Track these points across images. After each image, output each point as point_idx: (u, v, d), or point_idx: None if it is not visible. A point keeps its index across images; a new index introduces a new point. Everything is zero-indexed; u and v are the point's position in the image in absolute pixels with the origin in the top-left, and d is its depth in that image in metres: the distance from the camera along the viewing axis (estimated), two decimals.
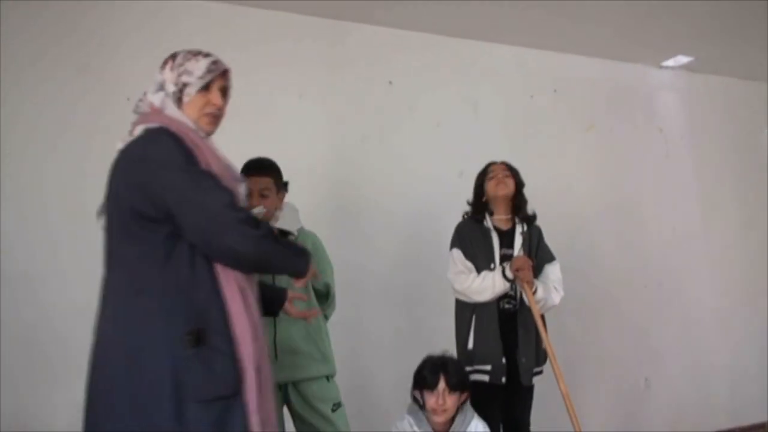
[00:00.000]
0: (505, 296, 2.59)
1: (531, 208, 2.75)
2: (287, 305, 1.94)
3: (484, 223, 2.68)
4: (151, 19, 2.98)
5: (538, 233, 2.74)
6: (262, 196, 2.22)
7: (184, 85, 1.60)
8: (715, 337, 4.25)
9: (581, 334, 3.74)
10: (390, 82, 3.51)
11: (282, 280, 2.08)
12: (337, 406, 2.36)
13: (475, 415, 2.38)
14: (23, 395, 2.58)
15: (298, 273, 1.65)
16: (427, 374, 2.32)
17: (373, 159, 3.40)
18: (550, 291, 2.61)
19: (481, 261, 2.61)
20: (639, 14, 3.50)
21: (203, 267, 1.49)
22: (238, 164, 1.97)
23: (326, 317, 2.47)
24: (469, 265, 2.61)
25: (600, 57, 4.09)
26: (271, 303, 1.83)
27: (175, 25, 2.99)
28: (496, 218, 2.70)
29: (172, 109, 1.59)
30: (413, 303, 3.35)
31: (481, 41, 3.74)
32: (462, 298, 2.63)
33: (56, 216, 2.72)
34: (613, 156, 4.11)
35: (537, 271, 2.64)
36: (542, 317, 2.59)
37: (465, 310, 2.64)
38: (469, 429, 2.33)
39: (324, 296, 2.42)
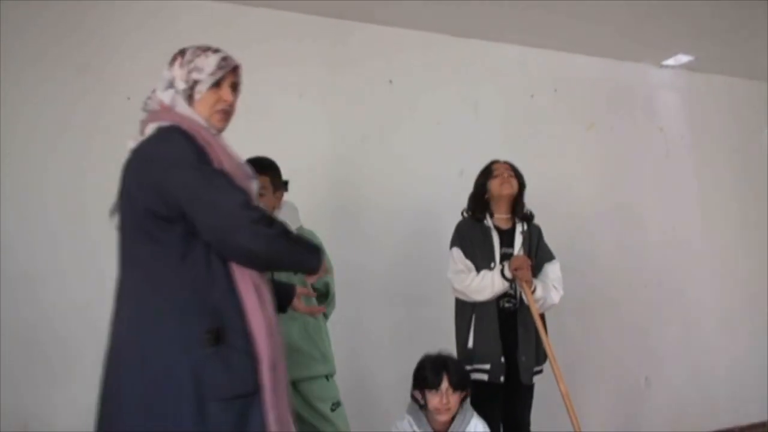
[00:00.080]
0: (504, 295, 2.59)
1: (529, 208, 2.75)
2: (295, 301, 1.93)
3: (485, 222, 2.68)
4: (151, 18, 2.98)
5: (538, 232, 2.74)
6: (259, 195, 2.22)
7: (195, 82, 1.58)
8: (715, 336, 4.25)
9: (581, 333, 3.74)
10: (390, 82, 3.51)
11: (282, 275, 2.08)
12: (336, 405, 2.36)
13: (475, 414, 2.38)
14: (23, 394, 2.58)
15: (311, 270, 1.64)
16: (430, 374, 2.32)
17: (373, 158, 3.40)
18: (549, 290, 2.61)
19: (481, 260, 2.61)
20: (639, 13, 3.50)
21: (218, 265, 1.48)
22: None
23: (326, 316, 2.47)
24: (469, 264, 2.61)
25: (600, 56, 4.09)
26: (278, 299, 1.82)
27: (175, 24, 2.99)
28: (497, 217, 2.70)
29: (182, 107, 1.58)
30: (413, 302, 3.35)
31: (481, 40, 3.74)
32: (461, 297, 2.64)
33: (56, 215, 2.73)
34: (614, 155, 4.11)
35: (536, 270, 2.64)
36: (542, 316, 2.60)
37: (465, 309, 2.64)
38: (468, 428, 2.33)
39: (324, 295, 2.42)
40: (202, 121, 1.57)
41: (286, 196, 2.40)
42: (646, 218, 4.16)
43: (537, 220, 2.77)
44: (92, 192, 2.79)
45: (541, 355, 2.62)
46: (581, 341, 3.73)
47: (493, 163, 2.75)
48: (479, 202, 2.72)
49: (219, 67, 1.60)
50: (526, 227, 2.70)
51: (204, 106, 1.59)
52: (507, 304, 2.61)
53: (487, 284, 2.54)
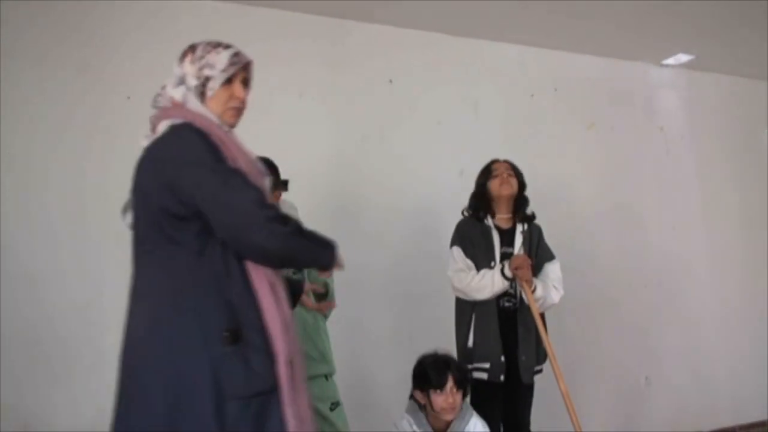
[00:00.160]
0: (505, 294, 2.59)
1: (530, 208, 2.75)
2: (304, 297, 1.93)
3: (485, 221, 2.68)
4: (151, 18, 2.98)
5: (539, 232, 2.75)
6: None
7: (207, 78, 1.56)
8: (715, 335, 4.25)
9: (581, 332, 3.74)
10: (390, 81, 3.51)
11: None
12: (335, 405, 2.36)
13: (474, 414, 2.38)
14: (23, 394, 2.59)
15: (326, 266, 1.63)
16: (433, 374, 2.31)
17: (373, 158, 3.40)
18: (549, 289, 2.61)
19: (481, 259, 2.62)
20: (639, 12, 3.50)
21: (234, 263, 1.47)
22: None
23: (325, 316, 2.47)
24: (469, 263, 2.61)
25: (600, 55, 4.09)
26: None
27: (175, 24, 2.99)
28: (497, 217, 2.70)
29: (195, 104, 1.56)
30: (413, 301, 3.35)
31: (481, 40, 3.74)
32: (461, 296, 2.64)
33: (57, 215, 2.73)
34: (614, 155, 4.11)
35: (537, 269, 2.64)
36: (542, 316, 2.60)
37: (465, 308, 2.65)
38: (468, 427, 2.33)
39: (323, 295, 2.42)
40: (214, 119, 1.56)
41: (286, 196, 2.40)
42: (646, 218, 4.16)
43: (537, 220, 2.77)
44: (93, 192, 2.79)
45: (541, 355, 2.62)
46: (581, 341, 3.73)
47: (492, 162, 2.75)
48: (480, 201, 2.72)
49: (231, 64, 1.58)
50: (526, 227, 2.70)
51: (216, 103, 1.57)
52: (507, 304, 2.61)
53: (487, 283, 2.54)
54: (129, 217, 1.59)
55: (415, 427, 2.32)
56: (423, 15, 3.41)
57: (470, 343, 2.59)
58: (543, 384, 2.66)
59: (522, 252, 2.63)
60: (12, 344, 2.57)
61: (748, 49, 4.08)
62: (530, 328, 2.58)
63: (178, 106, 1.56)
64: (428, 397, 2.31)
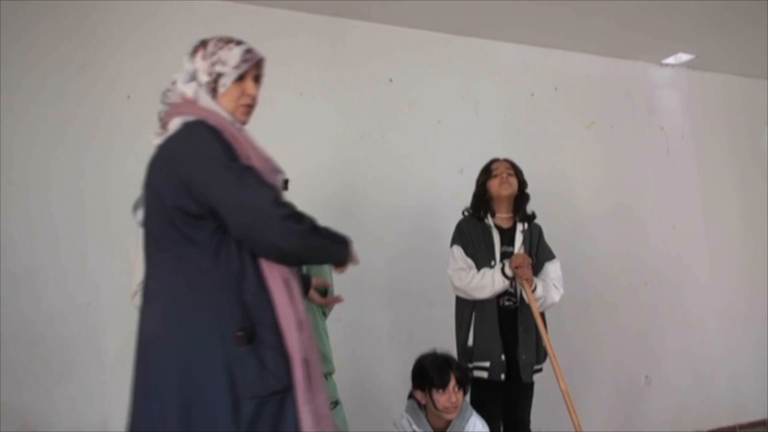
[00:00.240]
0: (505, 293, 2.59)
1: (530, 207, 2.75)
2: (312, 293, 1.92)
3: (485, 220, 2.68)
4: (151, 17, 2.98)
5: (539, 232, 2.74)
6: None
7: (219, 75, 1.55)
8: (715, 334, 4.25)
9: (581, 331, 3.74)
10: (390, 80, 3.50)
11: None
12: (335, 404, 2.35)
13: (474, 413, 2.38)
14: (23, 393, 2.58)
15: (341, 263, 1.62)
16: (435, 374, 2.31)
17: (373, 156, 3.40)
18: (549, 289, 2.61)
19: (481, 258, 2.62)
20: (640, 11, 3.49)
21: (249, 261, 1.47)
22: None
23: (324, 315, 2.46)
24: (470, 262, 2.61)
25: (601, 54, 4.09)
26: None
27: (175, 23, 2.99)
28: (498, 216, 2.70)
29: (206, 101, 1.54)
30: (413, 300, 3.35)
31: (481, 39, 3.74)
32: (462, 295, 2.64)
33: (57, 214, 2.73)
34: (614, 154, 4.11)
35: (537, 269, 2.64)
36: (542, 315, 2.60)
37: (465, 307, 2.65)
38: (468, 426, 2.33)
39: (322, 293, 2.42)
40: (227, 116, 1.54)
41: (286, 195, 2.39)
42: (646, 217, 4.16)
43: (537, 219, 2.77)
44: (93, 191, 2.80)
45: (541, 354, 2.62)
46: (581, 340, 3.73)
47: (492, 162, 2.75)
48: (480, 201, 2.72)
49: (243, 60, 1.57)
50: (526, 226, 2.70)
51: (228, 99, 1.56)
52: (507, 303, 2.61)
53: (488, 282, 2.54)
54: (140, 215, 1.58)
55: (415, 427, 2.32)
56: (423, 14, 3.40)
57: (470, 341, 2.59)
58: (543, 383, 2.66)
59: (522, 251, 2.63)
60: (12, 343, 2.57)
61: (748, 48, 4.08)
62: (530, 327, 2.58)
63: (190, 103, 1.55)
64: (430, 396, 2.31)
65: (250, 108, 1.61)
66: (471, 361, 2.56)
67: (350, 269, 1.67)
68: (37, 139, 2.73)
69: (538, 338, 2.58)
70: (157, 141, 1.55)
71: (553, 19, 3.54)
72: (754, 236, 4.49)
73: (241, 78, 1.57)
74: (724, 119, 4.52)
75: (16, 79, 2.71)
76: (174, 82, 1.59)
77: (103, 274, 2.74)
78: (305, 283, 1.89)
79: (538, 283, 2.58)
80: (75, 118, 2.79)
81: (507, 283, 2.54)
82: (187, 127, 1.50)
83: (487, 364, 2.54)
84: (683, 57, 4.24)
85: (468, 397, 2.45)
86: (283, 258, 1.49)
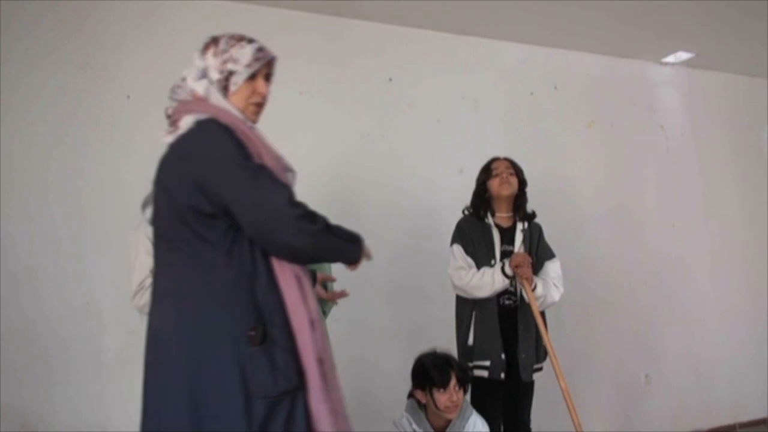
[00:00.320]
0: (505, 292, 2.59)
1: (530, 206, 2.75)
2: (318, 287, 1.91)
3: (485, 219, 2.68)
4: (150, 17, 2.98)
5: (539, 231, 2.74)
6: None
7: (230, 73, 1.54)
8: (715, 333, 4.25)
9: (581, 330, 3.74)
10: (390, 79, 3.50)
11: None
12: None
13: (474, 412, 2.38)
14: (23, 393, 2.58)
15: (353, 261, 1.62)
16: (436, 373, 2.30)
17: (373, 156, 3.40)
18: (549, 288, 2.61)
19: (481, 257, 2.62)
20: (640, 10, 3.49)
21: (261, 260, 1.47)
22: None
23: (325, 314, 2.46)
24: (470, 260, 2.62)
25: (601, 53, 4.09)
26: None
27: (174, 23, 2.99)
28: (498, 215, 2.70)
29: (218, 99, 1.53)
30: (413, 299, 3.35)
31: (481, 38, 3.73)
32: (462, 294, 2.64)
33: (57, 214, 2.73)
34: (614, 153, 4.10)
35: (537, 268, 2.64)
36: (542, 314, 2.60)
37: (465, 306, 2.65)
38: (467, 425, 2.33)
39: (324, 286, 2.41)
40: (238, 114, 1.54)
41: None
42: (646, 215, 4.16)
43: (537, 218, 2.77)
44: (92, 190, 2.79)
45: (541, 353, 2.62)
46: (581, 338, 3.73)
47: (493, 161, 2.74)
48: (480, 200, 2.71)
49: (255, 59, 1.56)
50: (526, 225, 2.70)
51: (239, 98, 1.55)
52: (507, 302, 2.61)
53: (488, 281, 2.54)
54: (149, 212, 1.57)
55: (415, 426, 2.32)
56: (423, 13, 3.40)
57: (470, 340, 2.59)
58: (543, 382, 2.66)
59: (522, 250, 2.63)
60: (11, 344, 2.57)
61: (748, 46, 4.07)
62: (530, 326, 2.58)
63: (201, 100, 1.53)
64: (431, 395, 2.31)
65: (260, 107, 1.61)
66: (471, 360, 2.56)
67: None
68: (36, 139, 2.73)
69: (538, 337, 2.58)
70: (168, 139, 1.53)
71: (552, 17, 3.53)
72: (754, 235, 4.48)
73: (252, 76, 1.57)
74: (724, 118, 4.52)
75: (16, 79, 2.71)
76: (184, 79, 1.57)
77: (103, 274, 2.73)
78: (312, 279, 1.89)
79: (538, 282, 2.58)
80: (75, 118, 2.79)
81: (507, 282, 2.54)
82: (199, 126, 1.49)
83: (487, 363, 2.54)
84: (683, 56, 4.24)
85: (468, 397, 2.45)
86: (295, 257, 1.49)
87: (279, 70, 3.20)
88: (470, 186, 2.77)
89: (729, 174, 4.49)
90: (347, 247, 1.57)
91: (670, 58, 4.28)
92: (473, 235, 2.66)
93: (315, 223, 1.46)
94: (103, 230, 2.76)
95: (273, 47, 3.36)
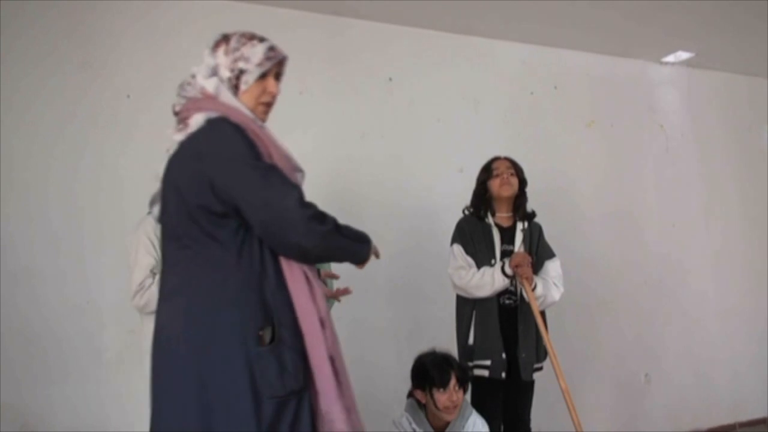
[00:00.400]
0: (505, 292, 2.59)
1: (530, 206, 2.74)
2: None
3: (486, 219, 2.68)
4: (150, 16, 2.97)
5: (539, 230, 2.74)
6: None
7: (241, 71, 1.54)
8: (715, 332, 4.25)
9: (581, 330, 3.74)
10: (390, 79, 3.50)
11: None
12: None
13: (473, 412, 2.38)
14: (22, 393, 2.58)
15: (361, 261, 1.62)
16: (436, 373, 2.30)
17: (373, 156, 3.39)
18: (549, 287, 2.60)
19: (481, 257, 2.61)
20: (639, 10, 3.49)
21: (270, 260, 1.47)
22: None
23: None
24: (470, 260, 2.61)
25: (601, 53, 4.08)
26: None
27: (174, 22, 2.99)
28: (498, 215, 2.70)
29: (228, 97, 1.53)
30: (413, 299, 3.34)
31: (481, 37, 3.73)
32: (462, 293, 2.64)
33: (56, 214, 2.72)
34: (614, 152, 4.10)
35: (537, 267, 2.64)
36: (542, 314, 2.59)
37: (465, 305, 2.64)
38: (467, 425, 2.33)
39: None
40: (249, 113, 1.53)
41: None
42: (646, 215, 4.16)
43: (537, 217, 2.76)
44: (92, 190, 2.79)
45: (541, 352, 2.62)
46: (581, 338, 3.73)
47: (493, 161, 2.74)
48: (480, 200, 2.71)
49: (267, 58, 1.56)
50: (526, 225, 2.70)
51: (249, 97, 1.55)
52: (507, 301, 2.61)
53: (488, 281, 2.54)
54: (156, 210, 1.57)
55: (414, 426, 2.32)
56: (423, 12, 3.40)
57: (471, 340, 2.59)
58: (543, 382, 2.66)
59: (522, 250, 2.63)
60: (11, 344, 2.57)
61: (748, 46, 4.07)
62: (530, 326, 2.57)
63: (211, 98, 1.53)
64: (430, 395, 2.30)
65: (269, 106, 1.61)
66: (471, 360, 2.56)
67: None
68: (36, 138, 2.73)
69: (539, 337, 2.58)
70: (178, 137, 1.53)
71: (552, 17, 3.53)
72: (755, 234, 4.48)
73: (263, 76, 1.56)
74: (724, 117, 4.52)
75: (16, 78, 2.70)
76: (193, 76, 1.57)
77: (102, 274, 2.73)
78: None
79: (538, 281, 2.58)
80: (74, 117, 2.79)
81: (507, 281, 2.54)
82: (210, 124, 1.48)
83: (487, 362, 2.54)
84: (683, 55, 4.23)
85: (468, 396, 2.45)
86: (304, 257, 1.49)
87: None
88: (470, 185, 2.77)
89: (729, 173, 4.49)
90: (356, 247, 1.57)
91: (670, 58, 4.28)
92: (473, 235, 2.65)
93: (325, 223, 1.47)
94: (102, 230, 2.75)
95: None
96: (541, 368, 2.64)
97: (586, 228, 3.89)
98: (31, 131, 2.72)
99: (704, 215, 4.35)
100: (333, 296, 2.11)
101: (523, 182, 2.71)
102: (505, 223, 2.69)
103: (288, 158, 1.56)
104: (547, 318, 2.66)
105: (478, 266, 2.59)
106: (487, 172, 2.71)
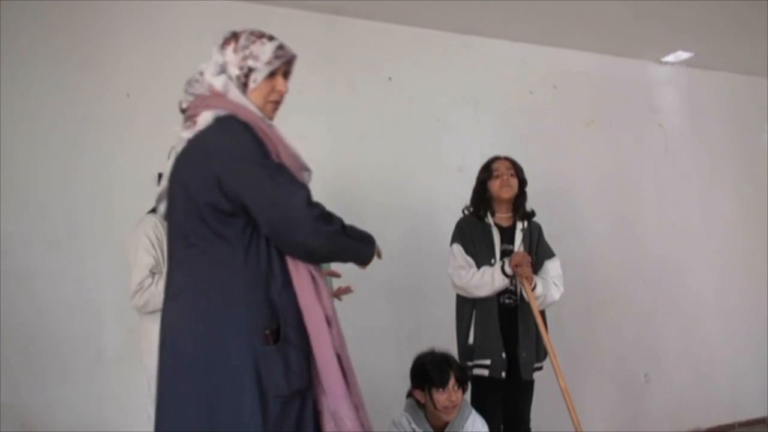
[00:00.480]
0: (505, 291, 2.59)
1: (530, 205, 2.74)
2: None
3: (485, 219, 2.68)
4: (150, 16, 2.97)
5: (539, 230, 2.74)
6: None
7: (250, 69, 1.53)
8: (714, 332, 4.25)
9: (581, 330, 3.74)
10: (390, 79, 3.50)
11: None
12: None
13: (473, 411, 2.38)
14: (22, 393, 2.58)
15: (365, 261, 1.62)
16: (435, 373, 2.30)
17: (372, 155, 3.39)
18: (549, 287, 2.60)
19: (481, 257, 2.61)
20: (639, 10, 3.49)
21: (277, 259, 1.47)
22: None
23: None
24: (469, 260, 2.61)
25: (600, 52, 4.08)
26: None
27: (174, 22, 2.99)
28: (497, 215, 2.70)
29: (236, 95, 1.52)
30: (413, 299, 3.34)
31: (480, 37, 3.73)
32: (462, 293, 2.64)
33: (55, 214, 2.72)
34: (613, 152, 4.10)
35: (537, 267, 2.64)
36: (542, 313, 2.59)
37: (465, 305, 2.64)
38: (467, 425, 2.33)
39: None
40: (257, 111, 1.53)
41: None
42: (645, 214, 4.16)
43: (536, 217, 2.76)
44: (91, 190, 2.79)
45: (541, 352, 2.62)
46: (581, 338, 3.73)
47: (493, 161, 2.73)
48: (480, 199, 2.71)
49: (276, 57, 1.56)
50: (526, 225, 2.70)
51: (258, 95, 1.55)
52: (507, 301, 2.61)
53: (488, 280, 2.53)
54: (162, 207, 1.57)
55: (414, 426, 2.32)
56: (422, 12, 3.40)
57: (471, 339, 2.59)
58: (543, 382, 2.66)
59: (522, 249, 2.63)
60: (10, 343, 2.56)
61: (747, 46, 4.07)
62: (530, 326, 2.57)
63: (219, 96, 1.52)
64: (430, 395, 2.30)
65: (278, 104, 1.61)
66: (471, 359, 2.55)
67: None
68: (35, 138, 2.72)
69: (538, 336, 2.58)
70: (187, 134, 1.52)
71: (552, 17, 3.53)
72: (754, 234, 4.48)
73: (272, 74, 1.56)
74: (724, 117, 4.52)
75: (15, 78, 2.70)
76: (201, 73, 1.56)
77: (101, 273, 2.73)
78: None
79: (538, 281, 2.58)
80: (74, 116, 2.78)
81: (507, 281, 2.54)
82: (219, 122, 1.48)
83: (488, 362, 2.53)
84: (683, 55, 4.24)
85: (468, 396, 2.44)
86: (310, 257, 1.49)
87: None
88: (470, 185, 2.77)
89: (728, 173, 4.49)
90: (361, 247, 1.58)
91: (670, 58, 4.28)
92: (473, 235, 2.65)
93: (331, 224, 1.47)
94: (101, 229, 2.75)
95: None
96: (541, 368, 2.64)
97: (585, 227, 3.89)
98: (31, 131, 2.72)
99: (703, 214, 4.35)
100: (334, 295, 2.12)
101: (522, 182, 2.71)
102: (505, 223, 2.69)
103: (296, 157, 1.56)
104: (547, 318, 2.66)
105: (478, 266, 2.59)
106: (487, 171, 2.71)
